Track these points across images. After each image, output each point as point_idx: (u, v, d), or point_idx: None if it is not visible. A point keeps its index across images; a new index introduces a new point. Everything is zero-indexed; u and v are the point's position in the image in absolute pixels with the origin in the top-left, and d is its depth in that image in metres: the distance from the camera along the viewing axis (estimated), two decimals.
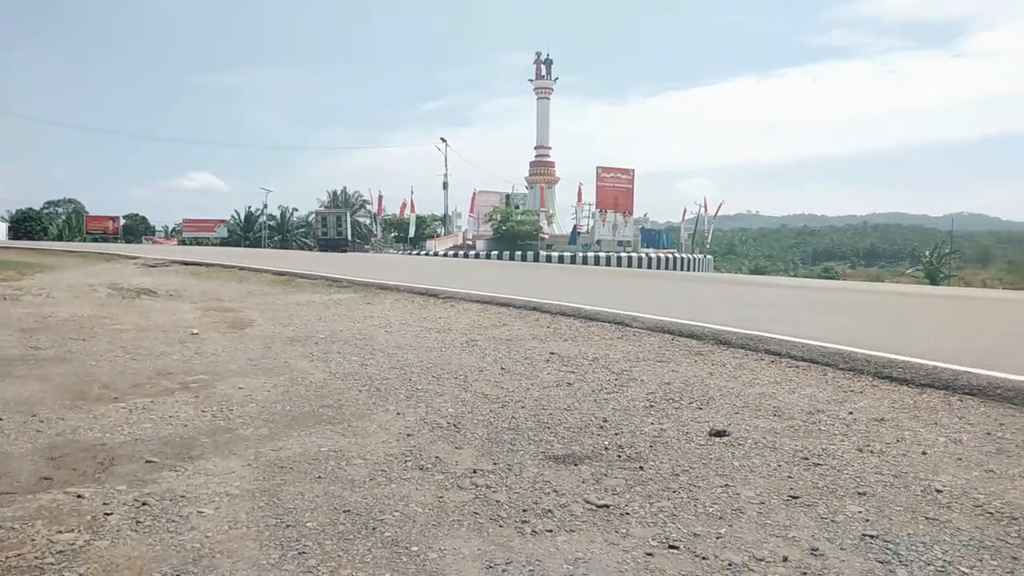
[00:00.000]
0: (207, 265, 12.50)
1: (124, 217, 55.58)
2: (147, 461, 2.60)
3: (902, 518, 2.14)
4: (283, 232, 58.58)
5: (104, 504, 2.19)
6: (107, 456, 2.65)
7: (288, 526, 2.07)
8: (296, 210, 61.47)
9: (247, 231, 57.41)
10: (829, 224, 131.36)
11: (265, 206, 57.54)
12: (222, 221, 56.70)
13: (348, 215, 43.44)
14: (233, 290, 9.19)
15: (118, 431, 2.97)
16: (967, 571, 1.81)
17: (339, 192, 59.70)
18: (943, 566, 1.84)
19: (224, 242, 51.94)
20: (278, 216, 59.79)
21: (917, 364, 3.99)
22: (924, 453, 2.73)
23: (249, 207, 59.21)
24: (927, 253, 63.92)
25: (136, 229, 55.30)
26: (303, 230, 59.62)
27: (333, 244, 36.31)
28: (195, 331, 5.63)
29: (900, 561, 1.87)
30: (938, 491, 2.35)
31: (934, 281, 52.58)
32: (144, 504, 2.19)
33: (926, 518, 2.14)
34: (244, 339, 5.35)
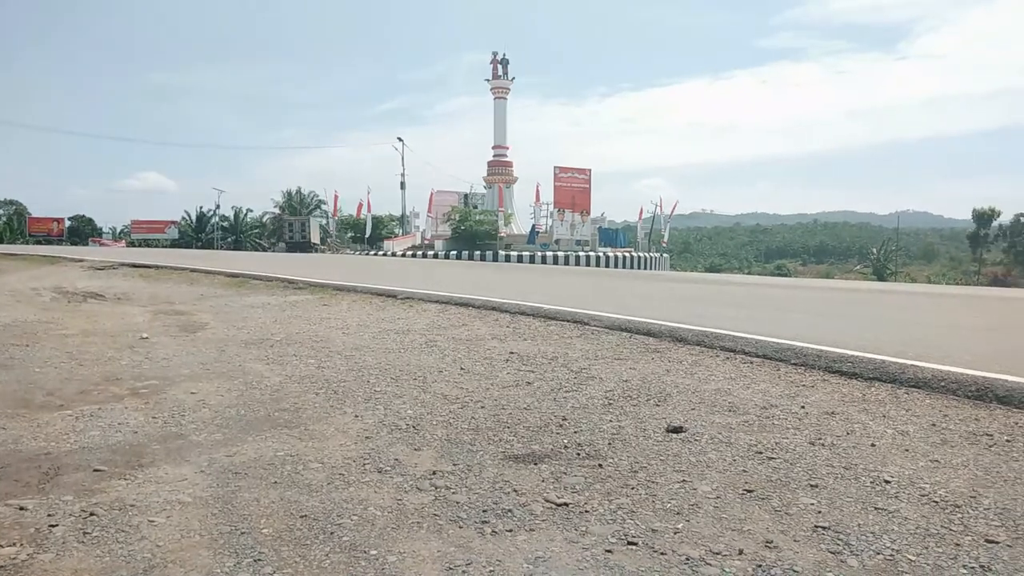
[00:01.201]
0: (157, 267, 12.19)
1: (69, 218, 53.83)
2: (95, 470, 2.52)
3: (853, 509, 2.20)
4: (237, 233, 57.36)
5: (49, 516, 2.12)
6: (52, 466, 2.56)
7: (243, 533, 2.02)
8: (250, 211, 60.26)
9: (199, 232, 56.13)
10: (781, 222, 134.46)
11: (218, 206, 56.29)
12: (173, 222, 55.29)
13: (312, 221, 46.02)
14: (184, 293, 8.97)
15: (64, 440, 2.87)
16: (914, 559, 1.87)
17: (294, 192, 58.83)
18: (891, 554, 1.89)
19: (175, 244, 50.67)
20: (231, 217, 58.54)
21: (866, 358, 4.10)
22: (873, 445, 2.80)
23: (201, 208, 57.89)
24: (875, 250, 65.99)
25: (82, 231, 53.60)
26: (257, 231, 58.54)
27: (299, 247, 41.14)
28: (145, 335, 5.48)
29: (851, 551, 1.92)
30: (887, 482, 2.41)
31: (881, 277, 54.27)
32: (92, 515, 2.12)
33: (875, 508, 2.20)
34: (196, 343, 5.23)
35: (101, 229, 56.43)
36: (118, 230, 57.32)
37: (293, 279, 9.93)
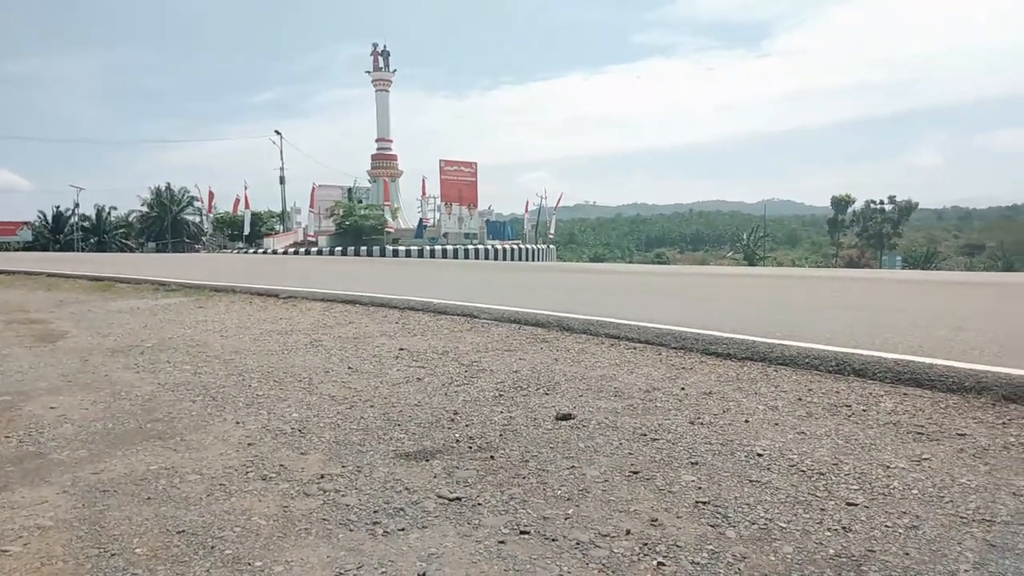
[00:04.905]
0: (7, 272, 11.17)
1: None
2: None
3: (730, 483, 2.32)
4: (100, 233, 53.57)
5: None
6: None
7: (113, 555, 1.89)
8: (115, 209, 56.46)
9: (57, 234, 52.02)
10: (659, 212, 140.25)
11: (77, 205, 52.33)
12: (25, 223, 50.98)
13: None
14: (41, 299, 8.27)
15: None
16: (784, 525, 2.00)
17: (163, 189, 55.45)
18: (765, 523, 2.01)
19: (29, 247, 46.73)
20: (93, 216, 54.56)
21: (739, 339, 4.33)
22: (747, 421, 2.97)
23: (57, 207, 53.72)
24: (744, 237, 70.08)
25: None
26: (123, 231, 54.89)
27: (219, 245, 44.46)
28: None
29: (729, 523, 2.02)
30: (759, 455, 2.56)
31: (751, 262, 57.71)
32: None
33: (750, 481, 2.33)
34: (56, 353, 4.83)
35: None
36: None
37: (165, 281, 9.38)
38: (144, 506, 2.21)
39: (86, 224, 53.60)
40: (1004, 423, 2.84)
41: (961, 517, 2.02)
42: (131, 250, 48.91)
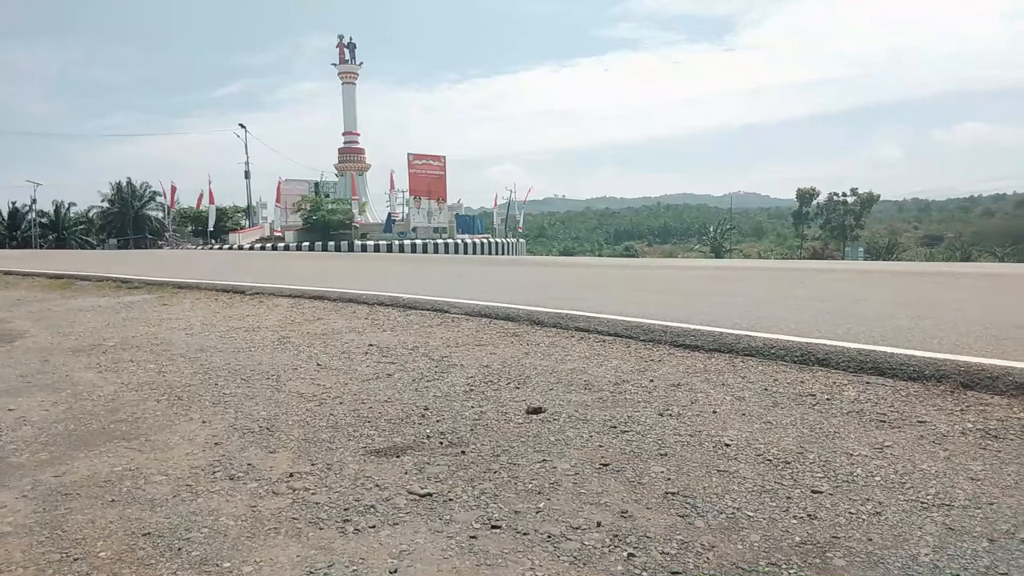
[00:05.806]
0: None
1: None
2: None
3: (698, 473, 2.35)
4: (59, 230, 52.26)
5: None
6: None
7: (76, 559, 1.85)
8: (74, 205, 55.09)
9: (13, 231, 50.68)
10: (628, 206, 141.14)
11: (34, 201, 50.96)
12: None
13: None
14: None
15: None
16: (752, 514, 2.03)
17: (124, 184, 54.24)
18: (733, 513, 2.04)
19: None
20: (51, 212, 53.22)
21: (706, 331, 4.38)
22: (714, 412, 3.01)
23: (13, 203, 52.30)
24: (711, 229, 70.87)
25: None
26: (83, 227, 53.63)
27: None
28: None
29: (698, 513, 2.05)
30: (727, 445, 2.60)
31: (718, 255, 58.39)
32: None
33: (718, 471, 2.36)
34: (13, 353, 4.70)
35: None
36: None
37: (128, 278, 9.19)
38: (108, 509, 2.17)
39: (44, 220, 52.29)
40: (962, 410, 2.92)
41: (922, 502, 2.07)
42: (92, 247, 47.86)
